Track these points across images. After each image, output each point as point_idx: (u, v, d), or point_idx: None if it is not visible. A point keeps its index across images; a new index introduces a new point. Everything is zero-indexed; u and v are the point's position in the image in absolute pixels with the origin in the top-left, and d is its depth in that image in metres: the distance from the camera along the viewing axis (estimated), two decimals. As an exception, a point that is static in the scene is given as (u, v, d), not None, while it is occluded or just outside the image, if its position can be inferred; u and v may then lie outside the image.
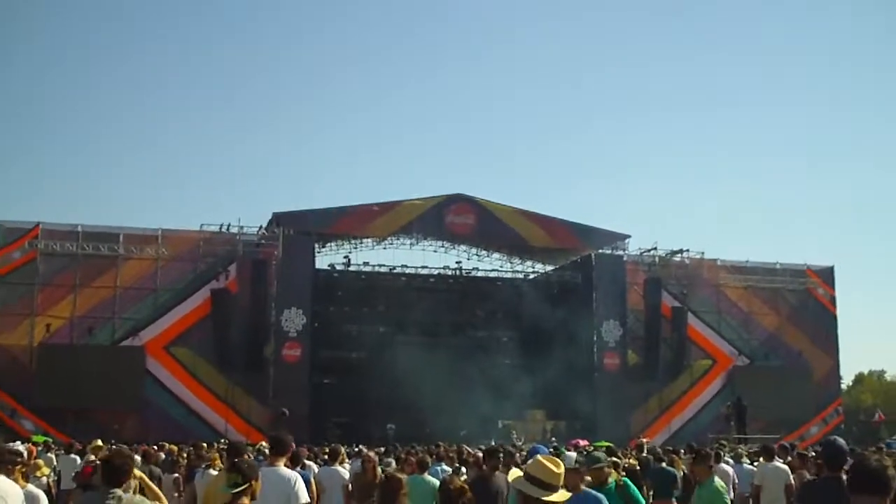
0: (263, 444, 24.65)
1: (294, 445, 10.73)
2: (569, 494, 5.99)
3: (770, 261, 53.41)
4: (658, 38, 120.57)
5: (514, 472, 6.24)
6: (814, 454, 16.05)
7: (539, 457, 6.08)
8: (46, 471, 13.30)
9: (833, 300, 53.80)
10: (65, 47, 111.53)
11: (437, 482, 11.27)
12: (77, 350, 41.78)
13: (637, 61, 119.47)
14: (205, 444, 20.64)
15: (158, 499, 7.86)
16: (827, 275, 54.02)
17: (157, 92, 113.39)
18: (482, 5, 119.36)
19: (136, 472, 8.02)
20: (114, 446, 23.18)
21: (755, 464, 16.29)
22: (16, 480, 7.05)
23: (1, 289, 41.68)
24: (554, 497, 5.76)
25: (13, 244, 41.87)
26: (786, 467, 14.98)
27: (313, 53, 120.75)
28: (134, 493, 7.01)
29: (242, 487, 6.48)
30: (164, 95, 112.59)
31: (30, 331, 41.60)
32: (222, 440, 29.55)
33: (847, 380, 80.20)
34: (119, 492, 6.26)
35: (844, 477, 7.45)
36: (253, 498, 6.63)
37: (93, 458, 14.73)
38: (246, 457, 9.22)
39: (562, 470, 5.85)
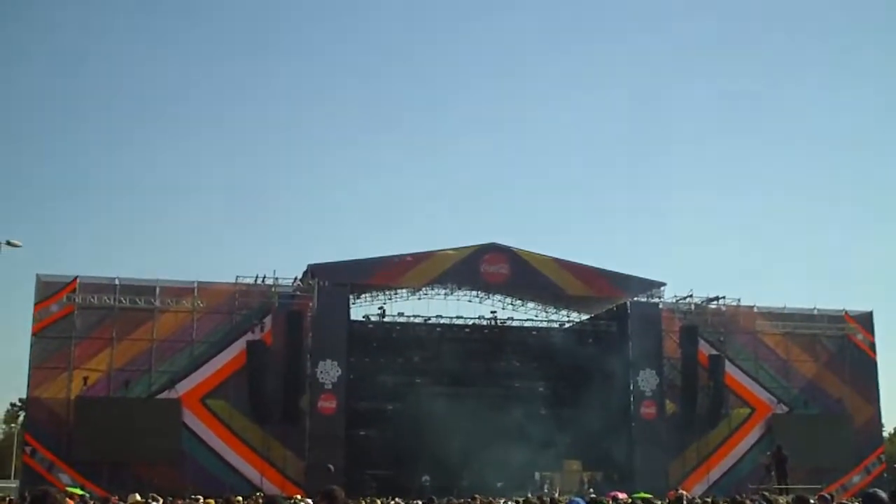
0: (298, 497, 24.63)
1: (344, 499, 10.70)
2: None
3: (808, 307, 52.90)
4: (689, 72, 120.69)
5: None
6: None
7: None
8: None
9: (872, 346, 53.10)
10: (101, 98, 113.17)
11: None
12: (114, 403, 41.95)
13: (665, 97, 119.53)
14: (240, 498, 20.61)
15: None
16: (866, 320, 53.39)
17: (191, 144, 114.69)
18: (516, 42, 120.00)
19: None
20: (151, 500, 23.25)
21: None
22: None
23: (39, 343, 41.99)
24: None
25: (51, 298, 42.24)
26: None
27: (347, 104, 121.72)
28: None
29: None
30: (199, 147, 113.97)
31: (67, 384, 41.83)
32: (258, 493, 29.51)
33: (889, 427, 79.17)
34: None
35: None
36: None
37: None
38: None
39: None
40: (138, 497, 20.16)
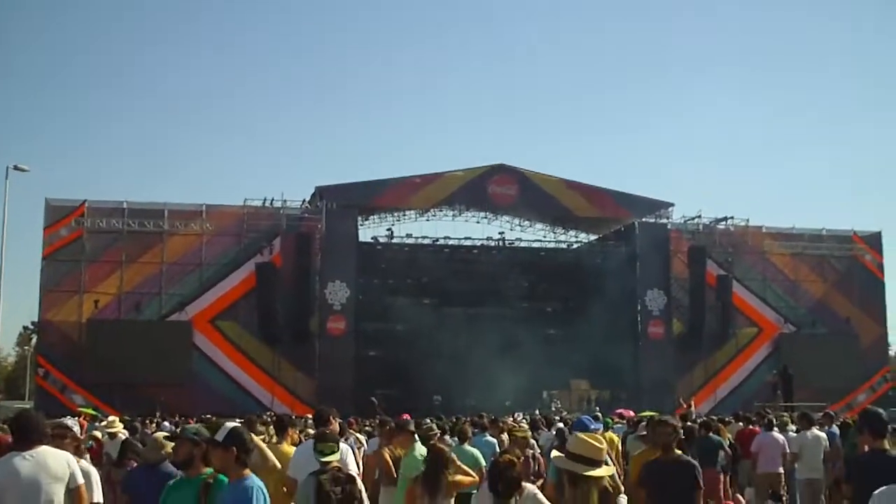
0: (310, 416, 24.86)
1: (335, 419, 10.82)
2: (613, 469, 6.02)
3: (816, 227, 52.80)
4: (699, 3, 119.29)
5: (555, 452, 6.24)
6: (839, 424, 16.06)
7: (579, 434, 6.08)
8: (121, 429, 13.51)
9: (881, 266, 53.07)
10: (107, 26, 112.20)
11: (478, 452, 11.33)
12: (125, 325, 42.29)
13: (681, 26, 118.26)
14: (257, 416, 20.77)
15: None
16: (874, 241, 53.28)
17: (199, 68, 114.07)
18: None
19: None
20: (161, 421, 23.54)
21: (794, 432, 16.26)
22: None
23: (49, 266, 42.20)
24: (598, 472, 5.76)
25: (60, 222, 42.36)
26: (823, 434, 14.98)
27: (357, 27, 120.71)
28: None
29: (336, 455, 6.88)
30: (207, 71, 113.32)
31: (78, 307, 42.14)
32: (268, 413, 29.80)
33: (896, 347, 79.35)
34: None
35: (888, 445, 7.41)
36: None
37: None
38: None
39: (604, 445, 5.87)
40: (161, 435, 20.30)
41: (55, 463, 6.69)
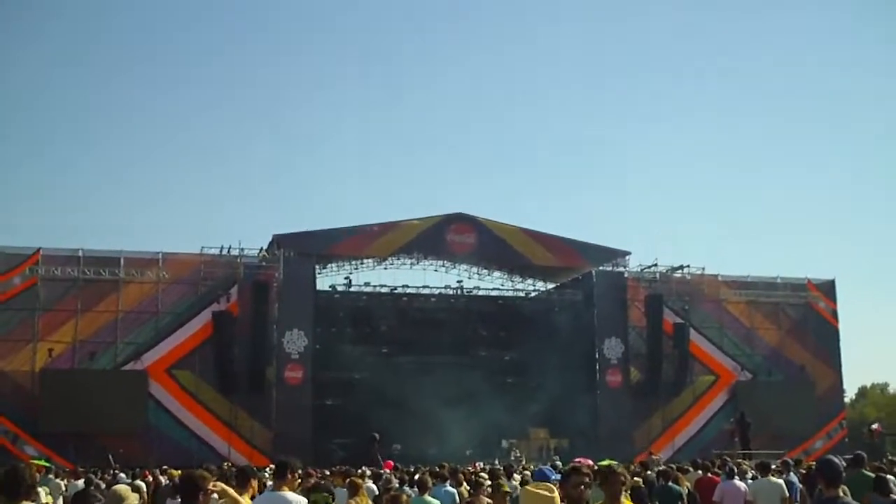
0: (270, 466, 24.71)
1: (294, 471, 10.74)
2: None
3: (771, 275, 53.42)
4: (653, 52, 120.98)
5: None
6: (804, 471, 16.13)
7: (529, 487, 6.10)
8: (50, 499, 13.23)
9: (835, 314, 53.74)
10: (63, 66, 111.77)
11: (437, 503, 11.28)
12: (79, 375, 41.69)
13: (633, 74, 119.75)
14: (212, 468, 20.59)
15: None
16: (828, 288, 53.98)
17: (154, 111, 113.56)
18: (480, 16, 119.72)
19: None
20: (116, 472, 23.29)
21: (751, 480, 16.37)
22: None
23: (2, 315, 41.60)
24: None
25: (14, 270, 41.86)
26: (780, 482, 15.08)
27: (311, 68, 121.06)
28: None
29: None
30: (162, 114, 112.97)
31: (32, 356, 41.53)
32: (226, 463, 29.53)
33: (850, 393, 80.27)
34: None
35: (842, 494, 7.49)
36: None
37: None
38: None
39: (555, 494, 5.87)
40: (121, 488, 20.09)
41: None
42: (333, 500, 7.00)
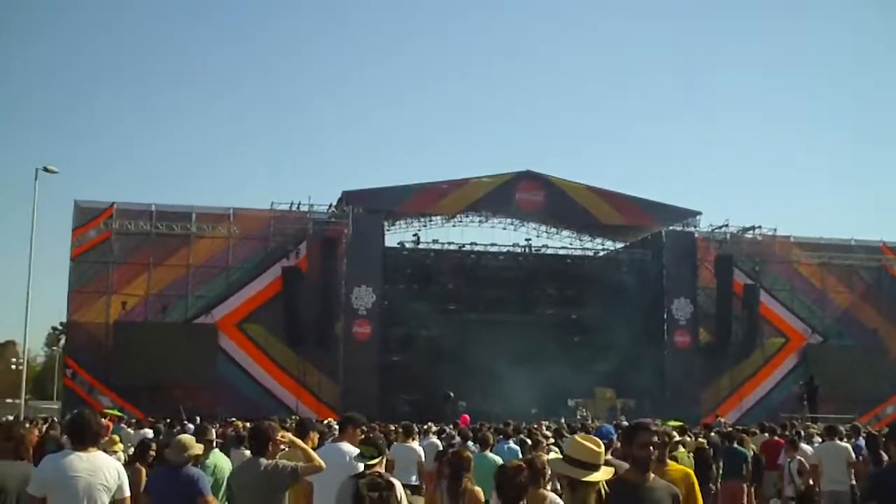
0: (332, 420, 24.96)
1: (362, 424, 10.82)
2: (612, 471, 5.86)
3: (845, 237, 52.42)
4: (727, 8, 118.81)
5: (554, 455, 6.18)
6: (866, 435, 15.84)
7: (577, 437, 6.04)
8: (121, 446, 13.47)
9: (910, 277, 52.64)
10: (137, 26, 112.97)
11: (500, 459, 11.26)
12: (152, 327, 42.48)
13: (707, 34, 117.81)
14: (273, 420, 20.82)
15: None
16: (903, 251, 52.88)
17: (227, 71, 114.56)
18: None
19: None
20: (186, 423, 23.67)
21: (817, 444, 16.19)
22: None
23: (77, 268, 42.40)
24: (596, 476, 5.70)
25: (89, 224, 42.59)
26: (847, 445, 14.87)
27: (383, 29, 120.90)
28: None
29: (378, 460, 6.92)
30: (234, 74, 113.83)
31: (106, 309, 42.33)
32: (293, 416, 29.85)
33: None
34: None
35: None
36: (386, 470, 7.11)
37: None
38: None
39: (601, 448, 5.78)
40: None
41: (107, 470, 6.76)
42: (380, 453, 6.99)
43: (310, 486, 8.45)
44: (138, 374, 39.78)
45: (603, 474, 5.70)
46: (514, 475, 6.04)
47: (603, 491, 5.78)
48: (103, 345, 41.90)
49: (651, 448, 6.04)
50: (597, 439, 5.91)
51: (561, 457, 5.92)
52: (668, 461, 7.07)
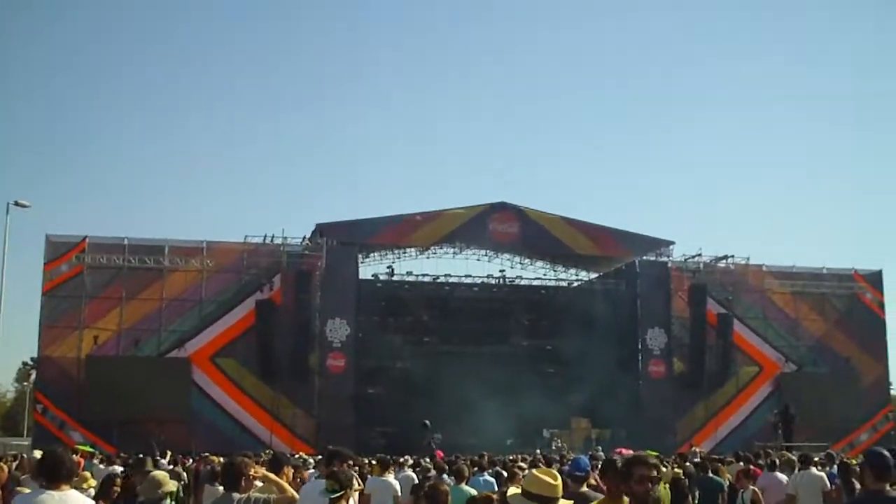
0: (305, 455, 24.83)
1: (348, 458, 10.82)
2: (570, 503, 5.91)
3: (817, 265, 52.76)
4: (698, 41, 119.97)
5: (512, 490, 6.18)
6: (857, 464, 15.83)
7: (534, 471, 6.05)
8: (93, 482, 13.29)
9: (882, 305, 52.99)
10: (109, 65, 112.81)
11: (474, 492, 11.18)
12: (124, 362, 42.20)
13: (678, 65, 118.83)
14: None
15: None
16: (875, 279, 53.26)
17: (199, 106, 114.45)
18: (521, 10, 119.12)
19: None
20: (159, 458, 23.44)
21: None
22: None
23: (49, 302, 42.14)
24: None
25: (61, 258, 42.36)
26: (822, 474, 14.88)
27: (353, 60, 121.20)
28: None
29: (339, 494, 6.94)
30: (207, 109, 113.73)
31: (78, 343, 42.04)
32: (267, 451, 29.64)
33: (897, 386, 79.03)
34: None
35: (889, 487, 7.31)
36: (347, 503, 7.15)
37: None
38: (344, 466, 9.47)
39: (559, 482, 5.79)
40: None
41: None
42: (342, 487, 7.07)
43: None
44: (110, 410, 39.50)
45: None
46: None
47: None
48: (75, 380, 41.57)
49: (650, 483, 5.85)
50: (554, 473, 5.93)
51: (519, 491, 5.92)
52: None
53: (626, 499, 6.83)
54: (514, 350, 49.68)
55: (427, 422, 38.62)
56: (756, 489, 14.94)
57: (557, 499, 5.72)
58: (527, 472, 7.10)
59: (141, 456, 18.70)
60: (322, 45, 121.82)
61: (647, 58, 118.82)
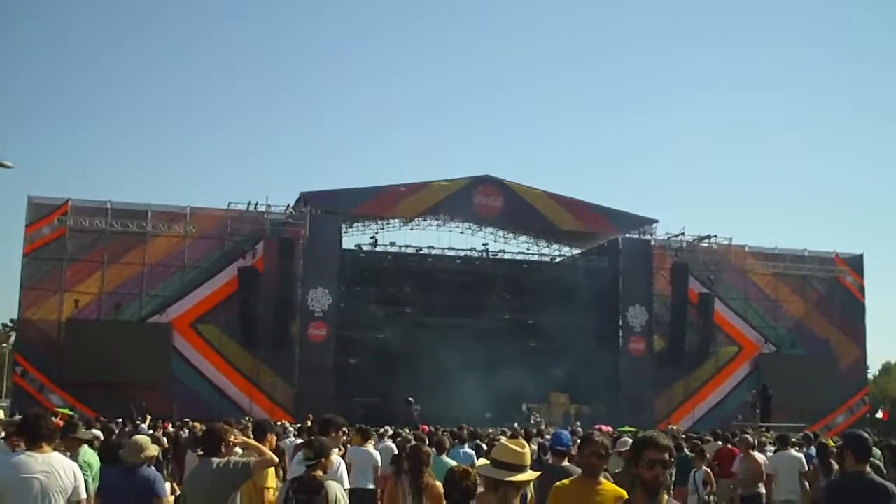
0: (287, 423, 24.86)
1: (342, 426, 10.85)
2: (536, 474, 6.03)
3: (798, 248, 52.98)
4: (683, 23, 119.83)
5: (482, 461, 6.29)
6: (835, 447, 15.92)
7: (503, 440, 6.20)
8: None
9: (861, 289, 53.33)
10: (94, 24, 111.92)
11: (455, 464, 11.23)
12: (105, 326, 42.02)
13: (665, 43, 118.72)
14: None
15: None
16: (856, 263, 53.56)
17: (186, 69, 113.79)
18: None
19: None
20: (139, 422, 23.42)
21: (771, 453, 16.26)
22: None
23: (31, 265, 41.90)
24: (520, 477, 5.80)
25: (43, 220, 42.08)
26: (800, 455, 14.96)
27: (341, 31, 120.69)
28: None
29: (313, 462, 7.03)
30: (195, 73, 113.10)
31: (59, 306, 41.84)
32: (247, 418, 29.67)
33: (874, 369, 79.78)
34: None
35: (869, 469, 7.36)
36: (324, 472, 7.37)
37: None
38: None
39: (527, 450, 5.91)
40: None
41: (63, 472, 6.66)
42: (317, 456, 7.22)
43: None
44: (90, 373, 39.41)
45: (527, 476, 5.82)
46: (461, 479, 6.06)
47: (529, 494, 5.96)
48: (55, 343, 41.40)
49: (662, 468, 4.89)
50: (522, 442, 6.07)
51: (489, 462, 6.01)
52: (602, 479, 6.95)
53: (605, 479, 6.91)
54: (495, 324, 49.66)
55: (411, 398, 38.66)
56: (707, 470, 15.05)
57: (525, 466, 5.84)
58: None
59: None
60: (311, 15, 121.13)
61: (633, 38, 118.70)
